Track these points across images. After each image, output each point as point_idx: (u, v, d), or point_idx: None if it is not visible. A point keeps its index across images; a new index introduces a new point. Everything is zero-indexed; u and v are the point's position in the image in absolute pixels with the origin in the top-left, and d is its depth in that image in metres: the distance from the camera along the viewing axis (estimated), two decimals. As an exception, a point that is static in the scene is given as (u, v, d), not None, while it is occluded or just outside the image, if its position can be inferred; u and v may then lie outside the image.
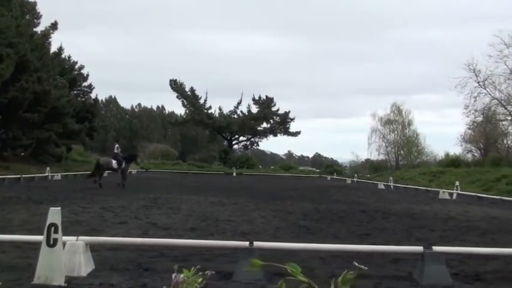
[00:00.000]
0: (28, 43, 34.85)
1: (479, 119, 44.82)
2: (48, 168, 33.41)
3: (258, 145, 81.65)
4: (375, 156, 66.60)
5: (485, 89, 42.32)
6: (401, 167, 59.43)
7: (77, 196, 18.58)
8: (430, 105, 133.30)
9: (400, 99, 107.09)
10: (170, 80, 71.50)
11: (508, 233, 12.12)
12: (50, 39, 41.41)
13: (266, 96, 73.76)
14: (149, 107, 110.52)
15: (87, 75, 50.91)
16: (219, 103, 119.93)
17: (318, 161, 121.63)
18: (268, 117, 73.59)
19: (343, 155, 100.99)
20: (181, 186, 27.36)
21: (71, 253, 6.38)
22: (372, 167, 63.57)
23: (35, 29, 39.85)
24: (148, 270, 6.80)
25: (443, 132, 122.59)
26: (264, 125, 74.82)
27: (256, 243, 6.83)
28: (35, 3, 40.78)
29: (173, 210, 14.78)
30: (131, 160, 27.02)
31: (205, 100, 72.71)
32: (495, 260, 8.12)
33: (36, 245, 6.33)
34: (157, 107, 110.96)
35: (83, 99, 50.14)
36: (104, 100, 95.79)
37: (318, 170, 74.14)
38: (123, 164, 25.53)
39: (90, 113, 48.33)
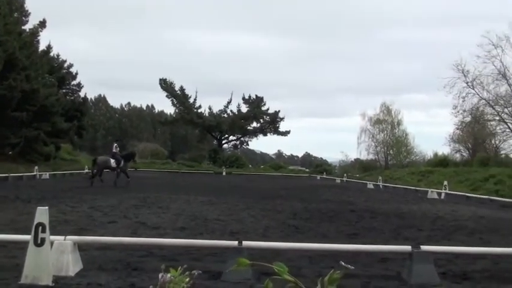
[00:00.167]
0: (16, 41, 34.59)
1: (468, 119, 45.10)
2: (36, 167, 33.19)
3: (247, 144, 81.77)
4: (364, 155, 66.81)
5: (473, 89, 42.58)
6: (390, 167, 59.65)
7: (66, 195, 18.47)
8: (419, 105, 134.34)
9: (389, 99, 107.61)
10: (160, 79, 71.34)
11: (495, 233, 12.21)
12: (39, 37, 41.17)
13: (256, 96, 73.80)
14: (139, 106, 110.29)
15: (76, 73, 50.66)
16: (208, 102, 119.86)
17: (308, 160, 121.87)
18: (258, 117, 73.59)
19: (332, 155, 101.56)
20: (171, 186, 27.28)
21: (59, 252, 6.34)
22: (361, 167, 63.74)
23: (23, 27, 39.56)
24: (136, 269, 6.77)
25: (432, 132, 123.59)
26: (254, 124, 74.86)
27: (245, 243, 6.83)
28: (23, 1, 40.43)
29: (162, 210, 14.74)
30: (129, 159, 26.99)
31: (195, 99, 72.64)
32: (483, 259, 8.18)
33: (24, 245, 6.28)
34: (147, 106, 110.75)
35: (72, 97, 49.84)
36: (93, 99, 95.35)
37: (307, 170, 74.27)
38: (122, 163, 25.47)
39: (79, 112, 48.07)
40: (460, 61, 42.56)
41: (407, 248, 7.05)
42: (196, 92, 73.62)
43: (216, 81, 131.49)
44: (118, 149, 26.51)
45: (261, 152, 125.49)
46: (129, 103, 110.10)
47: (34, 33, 40.03)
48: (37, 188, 22.22)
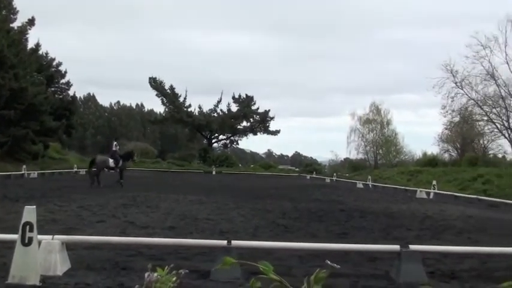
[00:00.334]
0: (4, 39, 34.32)
1: (456, 119, 45.36)
2: (24, 166, 32.95)
3: (237, 144, 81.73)
4: (354, 155, 67.02)
5: (462, 89, 42.84)
6: (379, 166, 59.87)
7: (54, 194, 18.36)
8: (408, 105, 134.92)
9: (379, 99, 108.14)
10: (149, 78, 71.08)
11: (483, 232, 12.29)
12: (27, 35, 40.86)
13: (246, 95, 73.79)
14: (128, 104, 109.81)
15: (65, 72, 50.35)
16: (198, 101, 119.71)
17: (298, 159, 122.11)
18: (248, 116, 73.58)
19: (322, 154, 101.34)
20: (161, 185, 27.20)
21: (47, 252, 6.29)
22: (351, 166, 63.92)
23: (11, 25, 39.20)
24: (125, 269, 6.74)
25: (421, 132, 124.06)
26: (244, 123, 74.81)
27: (234, 242, 6.82)
28: (11, -1, 40.13)
29: (151, 209, 14.69)
30: (128, 158, 26.92)
31: (185, 98, 72.50)
32: (471, 258, 8.23)
33: (11, 244, 6.23)
34: (137, 104, 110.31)
35: (61, 96, 49.56)
36: (82, 97, 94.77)
37: (297, 169, 74.39)
38: (120, 162, 25.41)
39: (68, 111, 47.80)
40: (449, 61, 42.84)
41: (396, 247, 7.08)
42: (186, 91, 73.75)
43: (206, 80, 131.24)
44: (118, 147, 26.42)
45: (251, 151, 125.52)
46: (118, 102, 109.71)
47: (22, 31, 39.72)
48: (25, 187, 22.06)
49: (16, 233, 5.97)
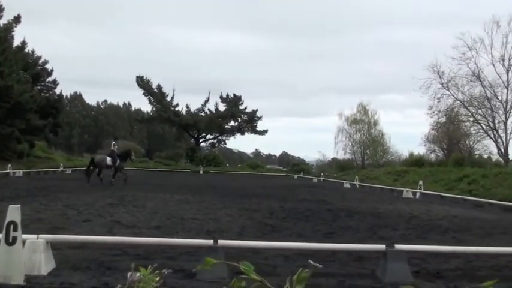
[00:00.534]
0: (-10, 36, 33.99)
1: (443, 119, 45.79)
2: (9, 165, 32.62)
3: (225, 143, 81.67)
4: (341, 155, 67.37)
5: (448, 90, 43.27)
6: (366, 166, 60.19)
7: (40, 193, 18.21)
8: (395, 106, 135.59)
9: (366, 99, 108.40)
10: (137, 77, 70.77)
11: (468, 232, 12.39)
12: (13, 33, 40.48)
13: (234, 95, 73.76)
14: (115, 103, 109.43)
15: (52, 70, 49.97)
16: (186, 101, 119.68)
17: (285, 159, 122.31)
18: (236, 116, 73.55)
19: (310, 154, 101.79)
20: (147, 184, 27.10)
21: (31, 251, 6.24)
22: (338, 166, 64.16)
23: (-3, 22, 38.86)
24: (110, 268, 6.70)
25: (408, 133, 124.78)
26: (232, 123, 74.79)
27: (221, 242, 6.81)
28: (-4, -4, 39.74)
29: (138, 208, 14.63)
30: (126, 157, 26.96)
31: (173, 97, 72.33)
32: (456, 258, 8.29)
33: (-5, 244, 6.16)
34: (124, 103, 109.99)
35: (47, 94, 49.16)
36: (68, 96, 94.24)
37: (284, 169, 74.52)
38: (118, 161, 25.45)
39: (54, 109, 47.43)
40: (435, 62, 43.35)
41: (382, 247, 7.11)
42: (174, 90, 73.53)
43: (193, 80, 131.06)
44: (116, 147, 26.43)
45: (238, 151, 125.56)
46: (105, 101, 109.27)
47: (8, 28, 39.33)
48: (10, 186, 21.83)
49: (0, 232, 5.91)
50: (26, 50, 45.45)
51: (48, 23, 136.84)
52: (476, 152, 45.98)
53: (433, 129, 48.49)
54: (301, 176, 52.79)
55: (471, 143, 46.34)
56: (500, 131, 40.75)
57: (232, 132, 75.67)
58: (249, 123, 73.76)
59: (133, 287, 1.45)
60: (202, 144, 77.55)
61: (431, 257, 8.24)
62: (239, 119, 74.15)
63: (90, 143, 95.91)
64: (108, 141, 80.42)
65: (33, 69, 46.07)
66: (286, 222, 12.94)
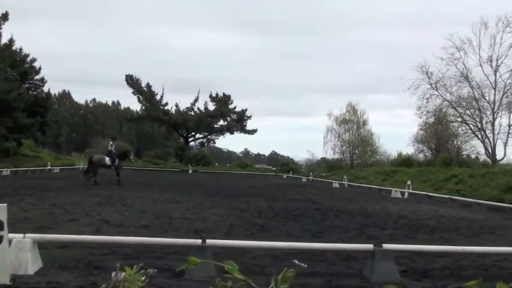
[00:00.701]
0: (-23, 34, 33.67)
1: (431, 120, 46.01)
2: (-4, 164, 32.38)
3: (214, 142, 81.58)
4: (330, 155, 67.56)
5: (437, 90, 43.50)
6: (355, 166, 60.39)
7: (27, 192, 18.07)
8: (384, 106, 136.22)
9: (355, 99, 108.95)
10: (126, 76, 70.50)
11: (456, 231, 12.48)
12: (1, 31, 40.18)
13: (223, 94, 73.69)
14: (104, 102, 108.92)
15: (40, 68, 49.62)
16: (175, 100, 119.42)
17: (275, 159, 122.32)
18: (225, 115, 73.48)
19: (299, 154, 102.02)
20: (136, 183, 26.98)
21: (17, 251, 6.19)
22: (327, 166, 64.33)
23: (-16, 20, 38.53)
24: (98, 268, 6.66)
25: (397, 133, 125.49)
26: (221, 122, 74.75)
27: (209, 241, 6.79)
28: (-16, -7, 39.42)
29: (126, 208, 14.57)
30: (124, 157, 26.95)
31: (162, 96, 72.11)
32: (443, 257, 8.34)
33: (-19, 243, 6.10)
34: (113, 102, 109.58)
35: (35, 92, 48.81)
36: (57, 94, 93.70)
37: (274, 168, 74.54)
38: (116, 161, 25.40)
39: (42, 107, 47.09)
40: (424, 63, 43.53)
41: (370, 246, 7.13)
42: (163, 89, 73.19)
43: (183, 79, 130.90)
44: (113, 146, 26.38)
45: (227, 150, 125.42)
46: (94, 99, 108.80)
47: (-4, 26, 39.02)
48: (-3, 185, 21.67)
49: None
50: (14, 48, 45.13)
51: (36, 21, 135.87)
52: (464, 152, 46.32)
53: (421, 130, 48.79)
54: (290, 175, 52.84)
55: (459, 143, 46.69)
56: (487, 132, 41.09)
57: (221, 131, 75.59)
58: (239, 122, 73.73)
59: (118, 287, 1.44)
60: (192, 143, 77.43)
61: (418, 257, 8.28)
62: (228, 118, 74.09)
63: (79, 141, 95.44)
64: (96, 139, 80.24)
65: (21, 67, 45.71)
66: (274, 222, 12.95)
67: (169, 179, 34.74)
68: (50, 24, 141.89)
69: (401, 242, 9.57)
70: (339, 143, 66.13)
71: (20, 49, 47.06)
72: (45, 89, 50.78)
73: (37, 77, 49.75)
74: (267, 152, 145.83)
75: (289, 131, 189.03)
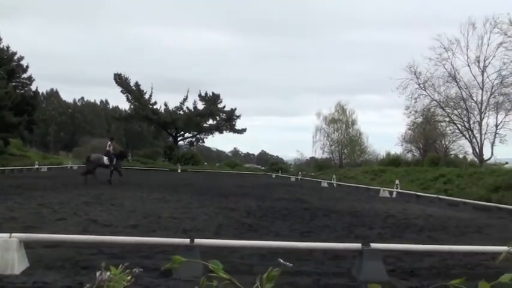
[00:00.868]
0: (-36, 31, 33.32)
1: (419, 119, 46.22)
2: (-17, 163, 32.10)
3: (203, 142, 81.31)
4: (319, 154, 67.67)
5: (425, 90, 43.72)
6: (344, 166, 60.56)
7: (14, 192, 17.93)
8: (373, 106, 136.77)
9: (344, 99, 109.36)
10: (114, 74, 70.09)
11: (443, 230, 12.56)
12: (-12, 28, 39.77)
13: (212, 93, 73.55)
14: (92, 101, 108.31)
15: (27, 66, 49.18)
16: (164, 99, 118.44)
17: (264, 158, 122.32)
18: (214, 114, 73.35)
19: (288, 153, 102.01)
20: (124, 183, 26.85)
21: (4, 250, 6.14)
22: (316, 165, 64.46)
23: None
24: (85, 268, 6.62)
25: (385, 132, 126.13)
26: (210, 121, 74.58)
27: (197, 241, 6.79)
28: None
29: (115, 207, 14.50)
30: (122, 157, 27.00)
31: (151, 95, 71.78)
32: (430, 256, 8.39)
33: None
34: (101, 101, 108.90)
35: (22, 91, 48.37)
36: (44, 93, 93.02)
37: (263, 168, 74.55)
38: (115, 161, 25.38)
39: (29, 106, 46.70)
40: (412, 63, 43.71)
41: (358, 245, 7.16)
42: (152, 88, 72.88)
43: (172, 78, 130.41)
44: (112, 147, 26.35)
45: (217, 149, 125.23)
46: (82, 98, 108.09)
47: (-17, 23, 38.66)
48: (-16, 184, 21.48)
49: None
50: (1, 46, 44.74)
51: (24, 19, 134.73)
52: (451, 152, 46.63)
53: (409, 129, 49.01)
54: (279, 175, 52.89)
55: (447, 143, 46.97)
56: (475, 131, 41.35)
57: (210, 130, 75.45)
58: (228, 121, 73.64)
59: (103, 287, 1.43)
60: (181, 142, 77.21)
61: (406, 256, 8.33)
62: (218, 117, 73.98)
63: (67, 140, 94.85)
64: (84, 138, 79.81)
65: (8, 66, 45.30)
66: (263, 221, 12.95)
67: (158, 179, 34.62)
68: (38, 23, 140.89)
69: (389, 241, 9.62)
70: (328, 143, 66.36)
71: (7, 47, 46.68)
72: (33, 87, 50.38)
73: (24, 75, 49.33)
74: (256, 152, 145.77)
75: (278, 130, 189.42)
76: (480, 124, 40.80)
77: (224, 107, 73.47)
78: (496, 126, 40.21)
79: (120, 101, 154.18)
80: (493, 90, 40.21)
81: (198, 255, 6.26)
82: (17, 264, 6.18)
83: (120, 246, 7.82)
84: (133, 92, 70.47)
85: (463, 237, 11.35)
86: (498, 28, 37.45)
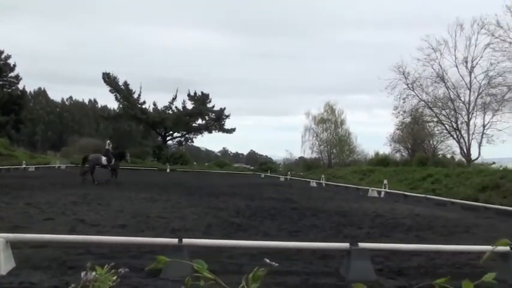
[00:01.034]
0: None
1: (408, 120, 46.46)
2: (-31, 162, 31.81)
3: (192, 141, 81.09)
4: (308, 154, 67.84)
5: (413, 91, 43.94)
6: (333, 165, 60.70)
7: (1, 191, 17.77)
8: (361, 106, 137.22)
9: (333, 99, 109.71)
10: (103, 74, 69.64)
11: (430, 230, 12.63)
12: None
13: (202, 93, 73.41)
14: (81, 100, 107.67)
15: (14, 65, 48.91)
16: (153, 98, 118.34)
17: (253, 158, 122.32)
18: (204, 114, 73.21)
19: (277, 153, 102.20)
20: (113, 182, 26.72)
21: (-10, 251, 6.09)
22: (305, 165, 64.59)
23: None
24: (72, 268, 6.58)
25: (374, 132, 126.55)
26: (199, 121, 74.40)
27: (186, 240, 6.77)
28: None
29: (103, 207, 14.43)
30: (121, 157, 26.89)
31: (139, 95, 71.47)
32: (418, 256, 8.44)
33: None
34: (90, 100, 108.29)
35: (9, 90, 48.09)
36: (32, 92, 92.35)
37: (252, 168, 74.54)
38: (113, 160, 25.28)
39: (16, 105, 46.46)
40: (401, 63, 43.91)
41: (346, 245, 7.18)
42: (141, 88, 72.74)
43: (161, 77, 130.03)
44: (111, 145, 26.27)
45: (206, 149, 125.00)
46: (70, 97, 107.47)
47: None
48: (-30, 184, 21.28)
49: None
50: (-12, 44, 44.38)
51: (11, 17, 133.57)
52: (439, 152, 46.90)
53: (398, 129, 49.24)
54: (268, 174, 52.92)
55: (435, 143, 47.23)
56: (463, 132, 41.62)
57: (199, 130, 75.29)
58: (217, 121, 73.53)
59: (88, 287, 1.42)
60: (169, 142, 76.95)
61: (394, 255, 8.36)
62: (207, 117, 73.85)
63: (54, 140, 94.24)
64: (73, 138, 79.35)
65: (-5, 64, 44.98)
66: (252, 221, 12.95)
67: (146, 178, 34.50)
68: (26, 21, 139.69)
69: (377, 240, 9.66)
70: (317, 143, 66.52)
71: (-5, 46, 46.34)
72: (20, 86, 50.10)
73: (12, 74, 49.01)
74: (245, 151, 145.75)
75: (267, 130, 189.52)
76: (468, 124, 41.10)
77: (213, 106, 73.42)
78: (484, 126, 40.52)
79: (108, 100, 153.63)
80: (480, 91, 40.52)
81: (187, 255, 6.25)
82: (3, 264, 6.13)
83: (108, 246, 7.78)
84: (122, 92, 70.13)
85: (451, 237, 11.43)
86: (485, 29, 37.72)
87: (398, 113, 45.45)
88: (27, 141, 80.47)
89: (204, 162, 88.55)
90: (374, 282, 6.53)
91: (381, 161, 48.12)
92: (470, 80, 40.94)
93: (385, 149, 76.32)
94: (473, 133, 41.00)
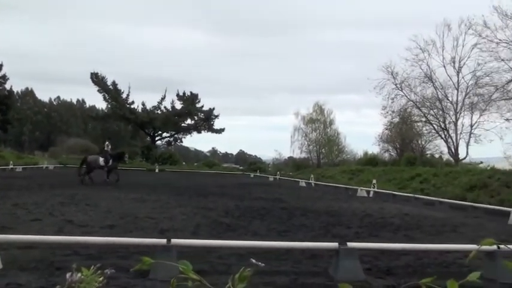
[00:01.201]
0: None
1: (396, 119, 46.67)
2: (-44, 163, 31.50)
3: (181, 142, 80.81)
4: (297, 154, 67.89)
5: (401, 91, 44.15)
6: (322, 165, 60.80)
7: (-13, 192, 17.62)
8: (350, 106, 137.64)
9: (322, 99, 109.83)
10: (91, 73, 69.20)
11: (419, 229, 12.70)
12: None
13: (191, 93, 73.17)
14: (69, 100, 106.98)
15: (1, 65, 48.56)
16: (142, 98, 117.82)
17: (242, 158, 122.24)
18: (193, 114, 72.99)
19: (266, 153, 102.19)
20: (101, 183, 26.59)
21: (-24, 252, 6.03)
22: (294, 165, 64.63)
23: None
24: (60, 269, 6.53)
25: (363, 132, 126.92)
26: (188, 121, 74.16)
27: (174, 241, 6.75)
28: None
29: (91, 207, 14.35)
30: (119, 158, 26.86)
31: (128, 95, 71.09)
32: (406, 255, 8.48)
33: None
34: (78, 100, 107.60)
35: (-4, 90, 47.68)
36: (19, 92, 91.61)
37: (241, 168, 74.47)
38: (111, 162, 25.20)
39: (4, 105, 46.11)
40: (389, 63, 44.09)
41: (335, 244, 7.20)
42: (129, 87, 72.17)
43: (149, 77, 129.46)
44: (110, 147, 26.16)
45: (195, 149, 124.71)
46: (58, 97, 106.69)
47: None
48: (-44, 185, 21.07)
49: None
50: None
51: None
52: (427, 152, 47.14)
53: (386, 129, 49.43)
54: (258, 174, 52.91)
55: (423, 142, 47.47)
56: (450, 131, 41.89)
57: (188, 130, 75.06)
58: (206, 121, 73.36)
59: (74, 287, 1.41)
60: (158, 142, 76.64)
61: (382, 255, 8.40)
62: (196, 117, 73.64)
63: (42, 140, 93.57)
64: (61, 138, 78.86)
65: (-18, 64, 44.59)
66: (241, 221, 12.95)
67: (135, 178, 34.34)
68: (12, 20, 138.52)
69: (366, 240, 9.69)
70: (306, 142, 66.60)
71: (-19, 45, 45.95)
72: (7, 86, 49.69)
73: (-1, 74, 48.59)
74: (234, 151, 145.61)
75: (257, 130, 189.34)
76: (455, 124, 41.37)
77: (202, 106, 73.23)
78: (471, 126, 40.82)
79: (97, 100, 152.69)
80: (468, 91, 40.80)
81: (175, 256, 6.23)
82: (-11, 265, 6.07)
83: (96, 247, 7.74)
84: (110, 92, 69.74)
85: (439, 236, 11.50)
86: (473, 29, 37.96)
87: (387, 113, 45.68)
88: (15, 142, 79.86)
89: (193, 162, 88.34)
90: (363, 282, 6.55)
91: (370, 161, 48.29)
92: (458, 80, 41.24)
93: (374, 149, 76.40)
94: (461, 133, 41.33)
